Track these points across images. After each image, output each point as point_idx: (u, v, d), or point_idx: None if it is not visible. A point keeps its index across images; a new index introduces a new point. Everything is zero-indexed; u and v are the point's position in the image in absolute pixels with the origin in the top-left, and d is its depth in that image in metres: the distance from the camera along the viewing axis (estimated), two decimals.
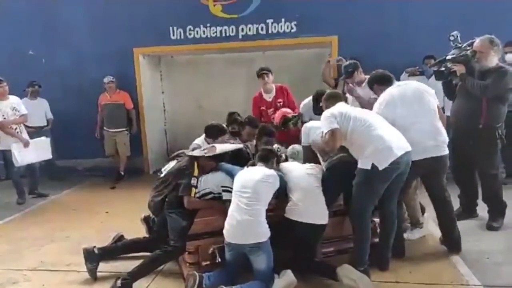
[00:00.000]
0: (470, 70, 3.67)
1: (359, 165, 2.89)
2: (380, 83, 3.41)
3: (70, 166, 6.78)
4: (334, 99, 3.24)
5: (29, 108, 5.96)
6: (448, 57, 3.83)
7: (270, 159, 3.13)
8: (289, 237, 2.97)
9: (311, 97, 4.36)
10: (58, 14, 6.54)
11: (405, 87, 3.25)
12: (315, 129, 3.30)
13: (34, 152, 5.28)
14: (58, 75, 6.52)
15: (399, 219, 3.18)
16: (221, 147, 3.32)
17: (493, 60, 3.58)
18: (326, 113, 3.01)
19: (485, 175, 3.80)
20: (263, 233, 2.72)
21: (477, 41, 3.64)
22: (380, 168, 2.78)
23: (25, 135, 5.28)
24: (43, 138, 5.62)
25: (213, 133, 3.71)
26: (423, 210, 3.90)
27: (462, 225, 3.47)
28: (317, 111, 4.06)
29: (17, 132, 5.19)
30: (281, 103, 4.73)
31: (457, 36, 3.92)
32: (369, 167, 2.81)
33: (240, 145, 3.69)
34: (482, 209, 3.99)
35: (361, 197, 2.92)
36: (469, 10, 5.44)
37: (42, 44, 6.61)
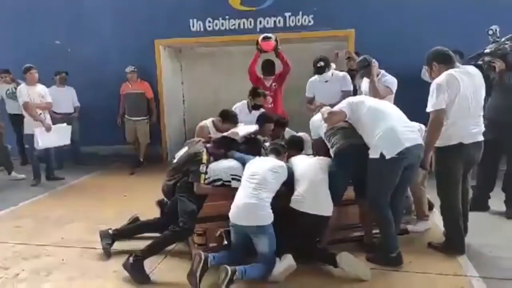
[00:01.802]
0: (508, 64, 3.65)
1: (370, 155, 2.99)
2: (441, 61, 3.11)
3: (93, 152, 7.12)
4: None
5: (57, 95, 6.33)
6: (486, 50, 3.81)
7: (281, 152, 3.34)
8: (293, 226, 3.06)
9: (313, 77, 4.66)
10: (82, 7, 6.83)
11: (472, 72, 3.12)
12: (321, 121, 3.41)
13: (55, 137, 5.61)
14: (82, 65, 6.80)
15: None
16: (244, 130, 3.57)
17: None
18: (348, 99, 3.32)
19: None
20: (266, 217, 2.85)
21: None
22: (387, 157, 2.86)
23: (48, 121, 5.58)
24: (64, 124, 5.91)
25: (227, 118, 3.90)
26: (431, 206, 3.96)
27: (471, 217, 3.44)
28: (317, 70, 4.51)
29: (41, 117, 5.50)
30: (276, 85, 5.02)
31: (495, 30, 3.91)
32: (377, 156, 2.91)
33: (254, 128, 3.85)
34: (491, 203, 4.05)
35: (372, 187, 3.02)
36: (488, 4, 5.38)
37: (67, 36, 6.94)
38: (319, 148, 3.53)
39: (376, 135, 2.95)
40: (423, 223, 3.69)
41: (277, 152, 3.32)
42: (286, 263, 2.82)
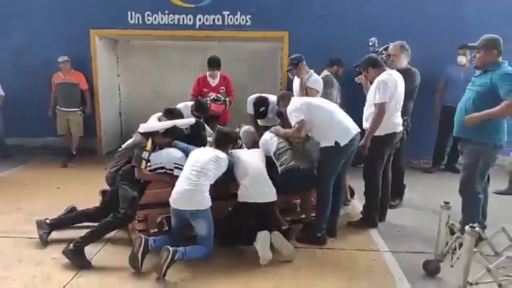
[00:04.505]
0: None
1: (323, 144, 3.41)
2: (375, 66, 3.69)
3: (21, 144, 6.76)
4: (288, 97, 3.77)
5: None
6: None
7: (226, 145, 3.51)
8: (244, 216, 3.33)
9: (253, 96, 4.68)
10: None
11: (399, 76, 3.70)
12: (272, 139, 3.71)
13: None
14: (12, 52, 6.45)
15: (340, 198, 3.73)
16: (154, 125, 3.65)
17: (403, 63, 4.13)
18: (291, 107, 3.53)
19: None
20: (203, 201, 3.07)
21: (391, 46, 4.21)
22: (342, 145, 3.32)
23: None
24: None
25: (172, 115, 3.89)
26: (352, 193, 4.45)
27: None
28: (258, 115, 4.54)
29: None
30: (223, 90, 5.18)
31: (374, 42, 4.48)
32: (332, 144, 3.33)
33: (192, 119, 3.98)
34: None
35: (325, 170, 3.43)
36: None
37: None
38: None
39: (330, 129, 3.38)
40: (344, 207, 4.12)
41: (221, 145, 3.46)
42: (261, 239, 3.10)
